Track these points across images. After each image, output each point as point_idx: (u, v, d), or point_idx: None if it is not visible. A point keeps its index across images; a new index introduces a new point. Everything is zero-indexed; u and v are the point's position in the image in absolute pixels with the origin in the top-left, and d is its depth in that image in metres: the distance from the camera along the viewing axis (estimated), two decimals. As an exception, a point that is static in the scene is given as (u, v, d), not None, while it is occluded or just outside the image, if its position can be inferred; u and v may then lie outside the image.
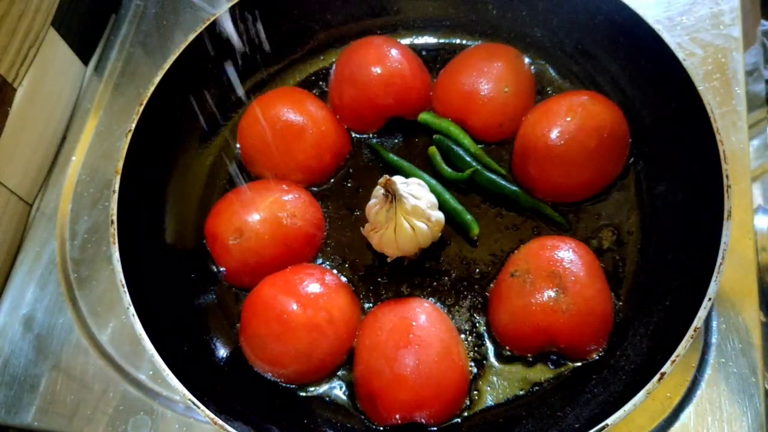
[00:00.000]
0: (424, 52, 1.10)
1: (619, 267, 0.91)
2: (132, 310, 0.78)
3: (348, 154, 1.03)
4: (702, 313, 0.73)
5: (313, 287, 0.86)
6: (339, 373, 0.87)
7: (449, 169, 0.98)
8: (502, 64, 0.99)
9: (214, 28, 0.97)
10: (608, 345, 0.85)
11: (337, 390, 0.87)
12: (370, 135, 1.05)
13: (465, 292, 0.92)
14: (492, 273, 0.93)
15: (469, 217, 0.94)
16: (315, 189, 1.00)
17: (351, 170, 1.02)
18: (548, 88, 1.05)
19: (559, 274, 0.82)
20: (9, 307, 0.99)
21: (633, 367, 0.80)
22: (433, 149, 1.00)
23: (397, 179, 0.88)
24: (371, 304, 0.91)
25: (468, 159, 0.98)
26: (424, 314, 0.84)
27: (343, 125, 1.04)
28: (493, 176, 0.96)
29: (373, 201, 0.90)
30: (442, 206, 0.94)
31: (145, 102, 0.91)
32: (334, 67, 1.06)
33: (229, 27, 1.00)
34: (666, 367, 0.71)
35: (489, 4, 1.07)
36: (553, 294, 0.81)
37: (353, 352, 0.86)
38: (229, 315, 0.93)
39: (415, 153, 1.03)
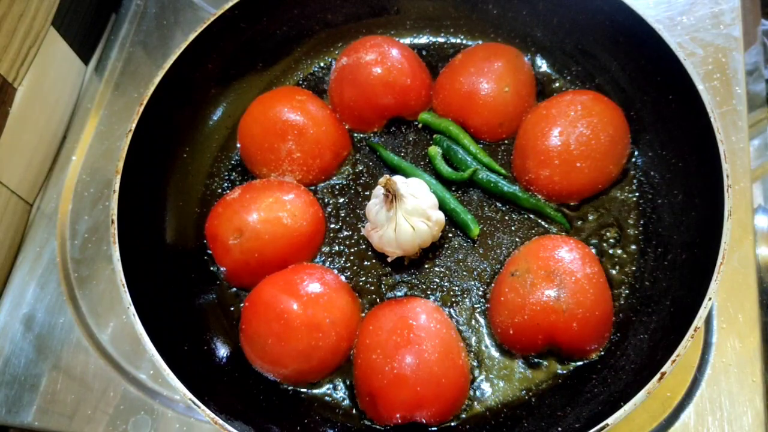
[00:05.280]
0: (424, 52, 1.10)
1: (620, 267, 0.92)
2: (132, 309, 0.78)
3: (348, 154, 1.03)
4: (702, 313, 0.74)
5: (314, 287, 0.86)
6: (339, 373, 0.87)
7: (449, 169, 0.98)
8: (502, 64, 0.99)
9: (214, 28, 0.97)
10: (608, 344, 0.85)
11: (337, 390, 0.87)
12: (371, 134, 1.05)
13: (465, 292, 0.92)
14: (492, 273, 0.93)
15: (469, 217, 0.94)
16: (315, 188, 1.00)
17: (351, 170, 1.02)
18: (548, 88, 1.05)
19: (559, 273, 0.82)
20: (9, 306, 1.00)
21: (633, 366, 0.80)
22: (433, 149, 1.00)
23: (398, 179, 0.88)
24: (371, 304, 0.91)
25: (468, 159, 0.98)
26: (424, 314, 0.84)
27: (344, 125, 1.04)
28: (493, 176, 0.97)
29: (373, 201, 0.90)
30: (442, 206, 0.94)
31: (145, 102, 0.91)
32: (334, 66, 1.06)
33: (229, 26, 1.00)
34: (666, 367, 0.71)
35: (489, 4, 1.07)
36: (553, 294, 0.81)
37: (353, 352, 0.86)
38: (229, 315, 0.93)
39: (415, 153, 1.03)
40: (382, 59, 1.00)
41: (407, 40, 1.12)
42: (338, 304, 0.86)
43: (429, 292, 0.92)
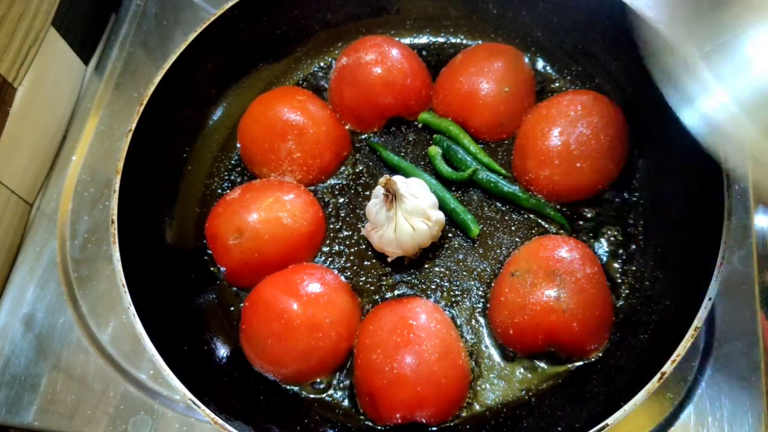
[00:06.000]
0: (424, 52, 1.10)
1: (620, 267, 0.91)
2: (132, 309, 0.78)
3: (348, 154, 1.03)
4: (702, 313, 0.73)
5: (314, 287, 0.86)
6: (339, 373, 0.87)
7: (449, 169, 0.98)
8: (502, 64, 0.99)
9: (214, 28, 0.97)
10: (608, 344, 0.85)
11: (337, 390, 0.87)
12: (371, 134, 1.05)
13: (465, 292, 0.92)
14: (492, 273, 0.93)
15: (469, 217, 0.94)
16: (315, 188, 1.00)
17: (351, 170, 1.02)
18: (548, 88, 1.05)
19: (559, 273, 0.82)
20: (9, 306, 0.99)
21: (633, 366, 0.80)
22: (433, 149, 1.00)
23: (398, 179, 0.88)
24: (371, 304, 0.91)
25: (468, 159, 0.98)
26: (424, 314, 0.84)
27: (343, 125, 1.04)
28: (493, 176, 0.97)
29: (373, 201, 0.90)
30: (442, 206, 0.94)
31: (145, 102, 0.91)
32: (334, 66, 1.06)
33: (229, 26, 1.00)
34: (666, 367, 0.71)
35: (489, 4, 1.07)
36: (553, 294, 0.81)
37: (353, 352, 0.86)
38: (229, 315, 0.93)
39: (415, 153, 1.03)
40: (382, 59, 1.00)
41: (407, 40, 1.12)
42: (338, 304, 0.86)
43: (429, 292, 0.92)
